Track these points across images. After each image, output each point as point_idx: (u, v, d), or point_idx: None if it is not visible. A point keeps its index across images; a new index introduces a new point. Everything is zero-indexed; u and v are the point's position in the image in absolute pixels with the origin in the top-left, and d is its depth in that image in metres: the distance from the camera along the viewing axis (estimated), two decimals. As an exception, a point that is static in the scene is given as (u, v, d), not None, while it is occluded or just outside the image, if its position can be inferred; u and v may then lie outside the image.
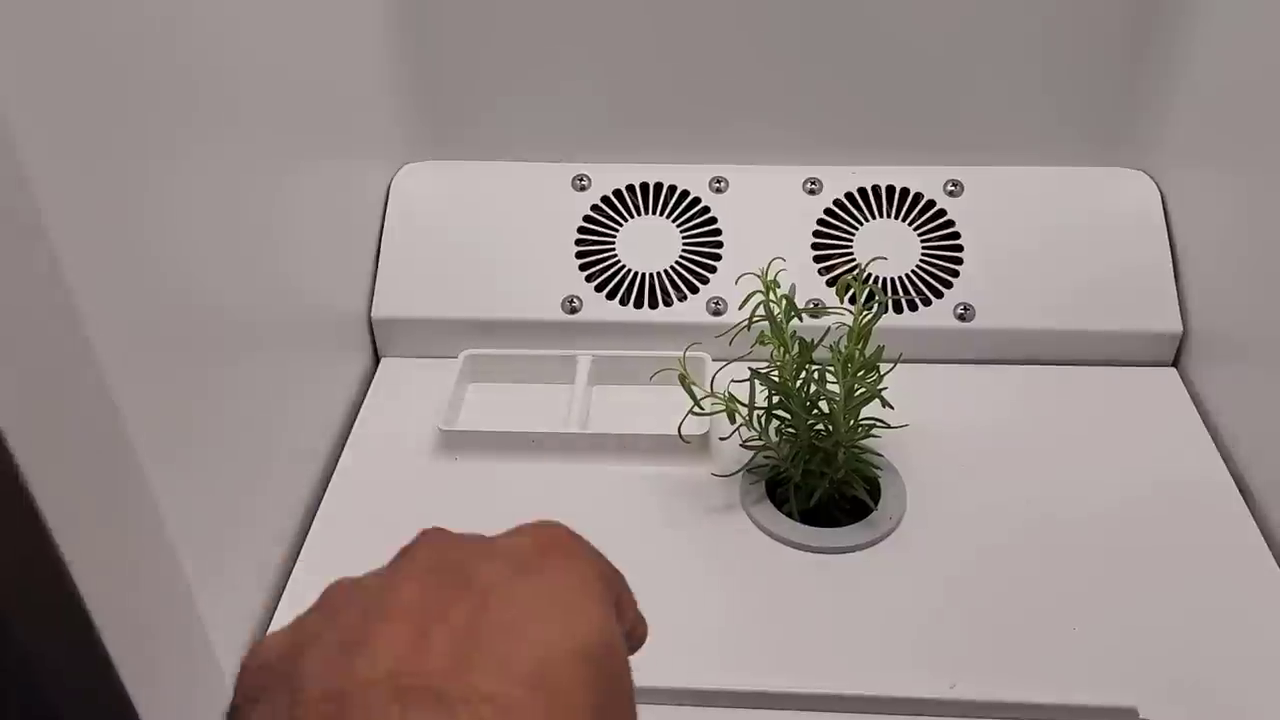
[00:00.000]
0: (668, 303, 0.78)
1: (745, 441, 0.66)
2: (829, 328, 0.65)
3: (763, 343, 0.64)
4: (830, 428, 0.64)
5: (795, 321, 0.63)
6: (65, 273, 0.38)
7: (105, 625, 0.39)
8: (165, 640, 0.45)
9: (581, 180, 0.82)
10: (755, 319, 0.63)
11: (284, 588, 0.62)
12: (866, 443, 0.66)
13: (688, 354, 0.67)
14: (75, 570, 0.37)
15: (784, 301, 0.63)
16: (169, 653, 0.45)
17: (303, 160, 0.69)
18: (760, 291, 0.63)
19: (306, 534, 0.66)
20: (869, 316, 0.62)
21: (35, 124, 0.38)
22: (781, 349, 0.63)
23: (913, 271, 0.78)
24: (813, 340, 0.63)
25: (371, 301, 0.79)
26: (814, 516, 0.65)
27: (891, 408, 0.63)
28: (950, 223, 0.79)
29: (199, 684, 0.47)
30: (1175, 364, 0.77)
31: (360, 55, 0.77)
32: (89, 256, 0.43)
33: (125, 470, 0.42)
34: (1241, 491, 0.66)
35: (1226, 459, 0.69)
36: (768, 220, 0.80)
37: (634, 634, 0.31)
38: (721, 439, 0.68)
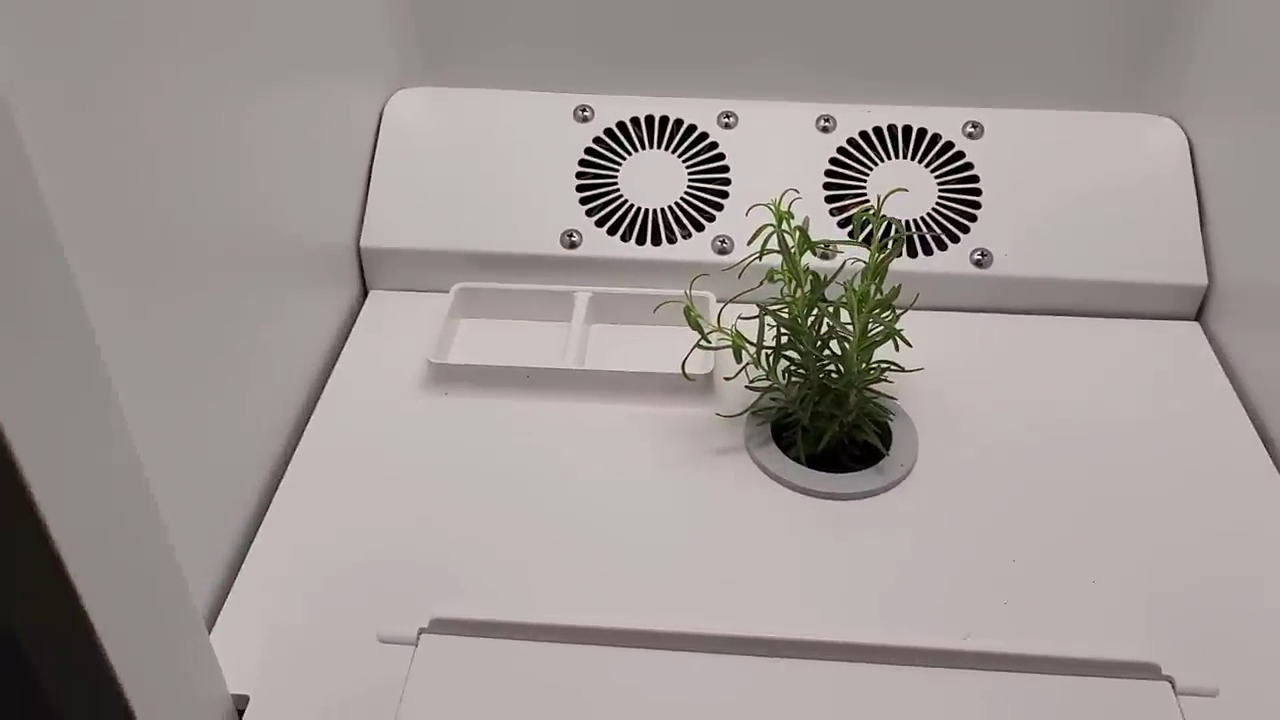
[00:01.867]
0: (671, 240, 0.75)
1: (752, 382, 0.63)
2: (842, 264, 0.62)
3: (772, 279, 0.61)
4: (842, 369, 0.61)
5: (807, 257, 0.60)
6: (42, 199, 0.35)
7: (70, 553, 0.35)
8: (131, 570, 0.42)
9: (584, 111, 0.78)
10: (766, 251, 0.59)
11: (259, 524, 0.59)
12: (878, 387, 0.63)
13: (693, 294, 0.64)
14: (42, 504, 0.34)
15: (797, 233, 0.60)
16: (134, 583, 0.42)
17: (290, 83, 0.65)
18: (771, 225, 0.60)
19: (286, 468, 0.62)
20: (887, 252, 0.59)
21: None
22: (793, 283, 0.60)
23: (929, 215, 0.74)
24: (825, 277, 0.60)
25: (360, 231, 0.76)
26: (821, 461, 0.62)
27: (910, 345, 0.60)
28: (969, 165, 0.76)
29: (165, 617, 0.43)
30: (1198, 318, 0.74)
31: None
32: (58, 179, 0.40)
33: (97, 401, 0.38)
34: (1266, 447, 0.64)
35: (1251, 415, 0.66)
36: (778, 158, 0.77)
37: None
38: (727, 379, 0.65)
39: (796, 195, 0.60)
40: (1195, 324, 0.73)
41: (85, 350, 0.36)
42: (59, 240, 0.34)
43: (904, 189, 0.68)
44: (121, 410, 0.39)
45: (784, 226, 0.59)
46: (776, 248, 0.60)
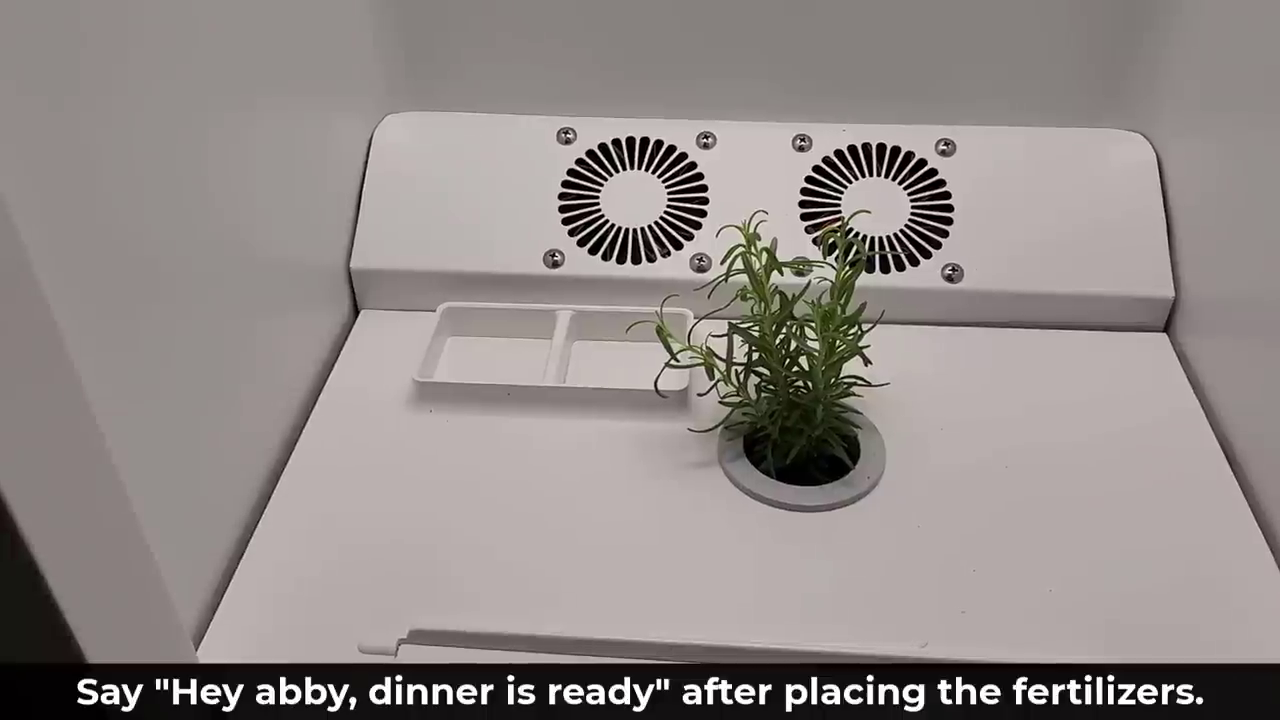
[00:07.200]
0: (651, 259, 0.77)
1: (724, 398, 0.65)
2: (809, 282, 0.64)
3: (743, 298, 0.63)
4: (810, 384, 0.63)
5: (777, 276, 0.62)
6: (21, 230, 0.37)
7: (52, 573, 0.37)
8: (117, 600, 0.44)
9: (567, 134, 0.81)
10: (734, 272, 0.62)
11: (249, 539, 0.61)
12: (847, 401, 0.65)
13: (670, 311, 0.66)
14: (26, 531, 0.36)
15: (764, 255, 0.62)
16: (119, 609, 0.44)
17: (282, 110, 0.67)
18: (741, 245, 0.62)
19: (275, 486, 0.65)
20: (851, 270, 0.61)
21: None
22: (762, 303, 0.62)
23: (902, 231, 0.76)
24: (794, 295, 0.62)
25: (351, 253, 0.78)
26: (791, 474, 0.64)
27: (869, 364, 0.62)
28: (941, 182, 0.78)
29: (152, 638, 0.46)
30: (1166, 329, 0.75)
31: (342, 2, 0.75)
32: (41, 207, 0.42)
33: (80, 423, 0.41)
34: (1229, 459, 0.65)
35: (1214, 426, 0.67)
36: (755, 177, 0.79)
37: None
38: (700, 395, 0.67)
39: (765, 217, 0.62)
40: (1163, 335, 0.75)
41: (63, 377, 0.38)
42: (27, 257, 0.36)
43: (868, 210, 0.70)
44: (100, 429, 0.41)
45: (751, 249, 0.62)
46: (744, 268, 0.62)
